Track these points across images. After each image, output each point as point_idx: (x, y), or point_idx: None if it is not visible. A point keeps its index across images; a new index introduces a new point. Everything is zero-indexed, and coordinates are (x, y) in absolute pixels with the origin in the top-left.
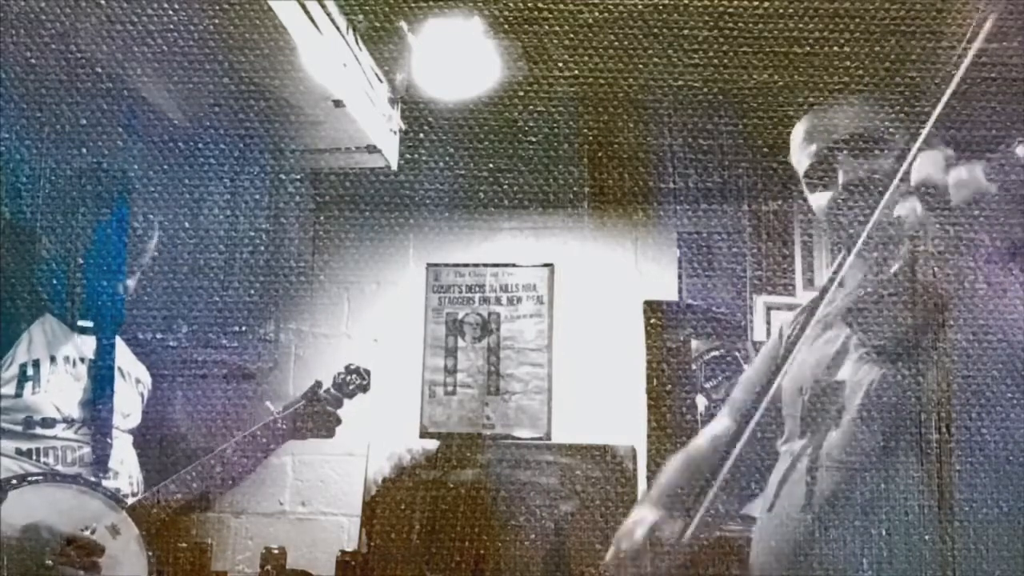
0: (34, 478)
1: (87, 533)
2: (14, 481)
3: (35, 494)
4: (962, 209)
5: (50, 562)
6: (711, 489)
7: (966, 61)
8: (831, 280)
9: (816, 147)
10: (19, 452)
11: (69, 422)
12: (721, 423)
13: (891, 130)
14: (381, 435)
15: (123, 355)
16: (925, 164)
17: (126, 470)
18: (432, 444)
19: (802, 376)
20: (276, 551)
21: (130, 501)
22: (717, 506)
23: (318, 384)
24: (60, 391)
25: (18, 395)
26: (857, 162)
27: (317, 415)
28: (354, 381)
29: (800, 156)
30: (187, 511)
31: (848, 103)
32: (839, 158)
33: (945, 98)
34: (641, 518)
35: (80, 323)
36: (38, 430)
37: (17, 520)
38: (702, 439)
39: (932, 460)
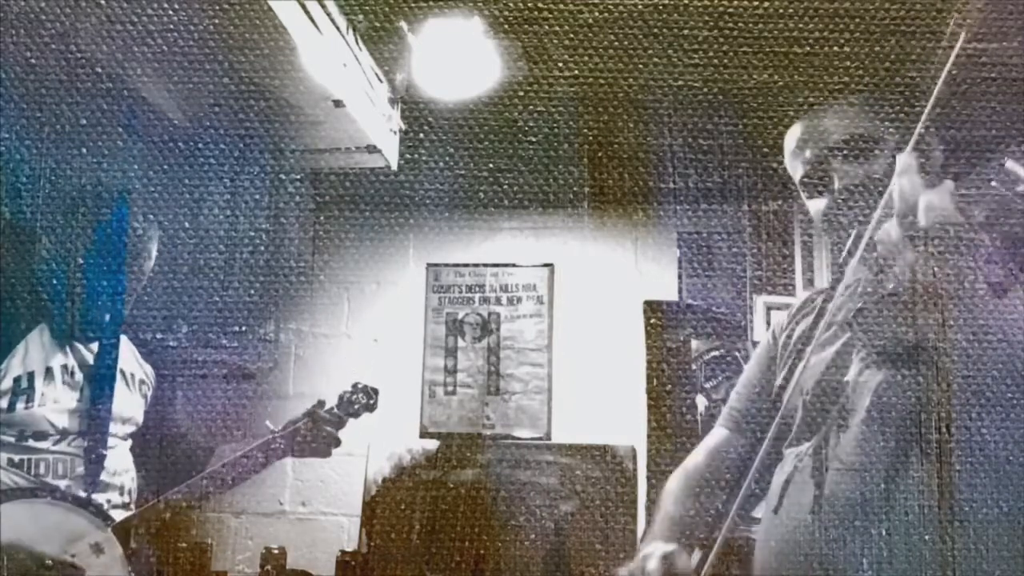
0: (22, 493)
1: (69, 557)
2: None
3: (22, 510)
4: (933, 231)
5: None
6: (726, 518)
7: (951, 58)
8: (834, 284)
9: (810, 154)
10: (11, 463)
11: (63, 435)
12: (718, 434)
13: (888, 130)
14: (381, 435)
15: (125, 357)
16: (907, 187)
17: (119, 481)
18: (432, 444)
19: (803, 378)
20: (276, 551)
21: (118, 515)
22: (717, 506)
23: (320, 404)
24: (55, 404)
25: (11, 410)
26: (852, 167)
27: (316, 435)
28: (360, 400)
29: (794, 163)
30: (186, 512)
31: (841, 106)
32: (833, 164)
33: (933, 99)
34: (651, 552)
35: (81, 325)
36: (31, 443)
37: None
38: (700, 454)
39: (932, 460)
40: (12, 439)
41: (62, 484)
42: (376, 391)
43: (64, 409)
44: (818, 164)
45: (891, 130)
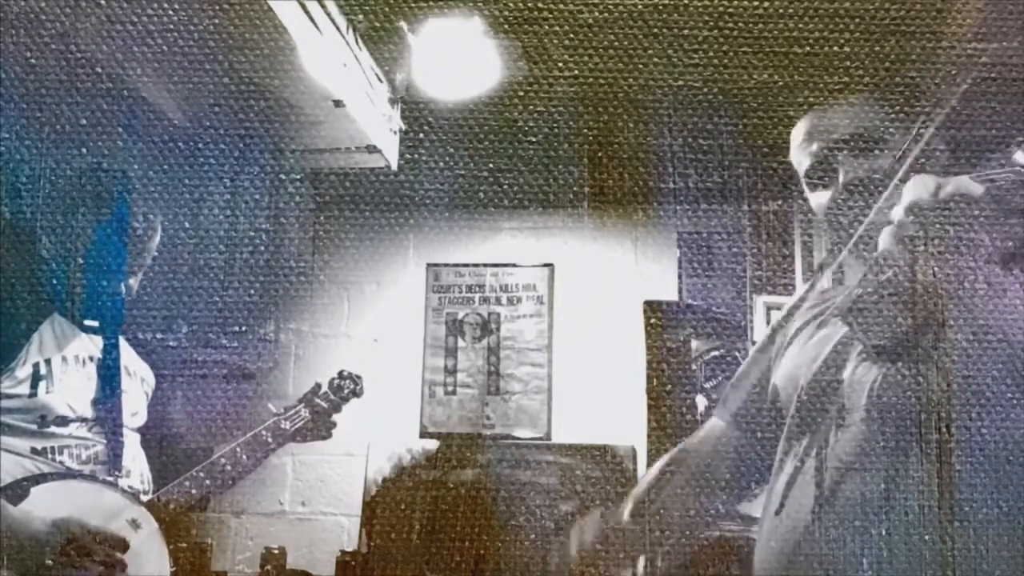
0: (54, 476)
1: (112, 528)
2: (27, 480)
3: (59, 489)
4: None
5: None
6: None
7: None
8: (817, 276)
9: (817, 146)
10: (34, 451)
11: (83, 420)
12: (710, 423)
13: (891, 130)
14: (381, 435)
15: (127, 354)
16: (916, 187)
17: (137, 468)
18: (432, 444)
19: (798, 374)
20: (276, 551)
21: (144, 498)
22: (717, 506)
23: (317, 386)
24: (73, 389)
25: (33, 394)
26: (858, 162)
27: (315, 417)
28: (347, 386)
29: (801, 156)
30: (202, 507)
31: (850, 103)
32: (840, 158)
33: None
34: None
35: (85, 322)
36: (53, 428)
37: (47, 514)
38: (693, 440)
39: (932, 460)
40: (35, 426)
41: (86, 470)
42: (360, 377)
43: (81, 394)
44: (824, 157)
45: (891, 130)
